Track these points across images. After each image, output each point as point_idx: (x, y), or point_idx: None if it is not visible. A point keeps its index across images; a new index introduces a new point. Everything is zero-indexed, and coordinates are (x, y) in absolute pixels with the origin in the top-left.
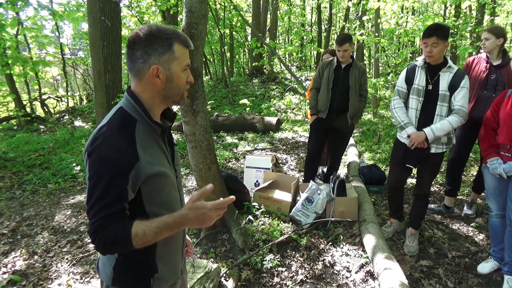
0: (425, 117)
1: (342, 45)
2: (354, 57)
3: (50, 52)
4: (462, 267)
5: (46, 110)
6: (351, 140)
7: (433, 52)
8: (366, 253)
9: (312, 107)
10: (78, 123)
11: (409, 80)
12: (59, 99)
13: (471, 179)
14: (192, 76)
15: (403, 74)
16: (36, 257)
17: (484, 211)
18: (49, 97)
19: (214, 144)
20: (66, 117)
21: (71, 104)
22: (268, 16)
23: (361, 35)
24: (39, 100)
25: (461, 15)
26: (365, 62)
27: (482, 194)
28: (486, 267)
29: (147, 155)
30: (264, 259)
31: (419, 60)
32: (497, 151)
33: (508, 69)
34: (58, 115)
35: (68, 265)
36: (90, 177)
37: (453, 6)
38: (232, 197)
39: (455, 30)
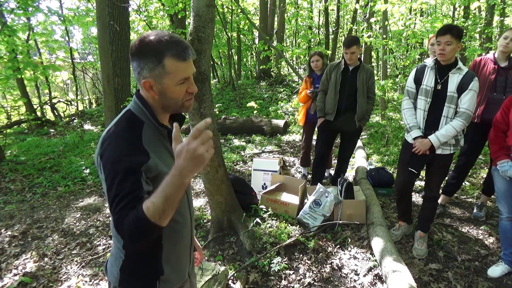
0: (432, 118)
1: (350, 47)
2: (362, 59)
3: (60, 56)
4: (472, 271)
5: (56, 114)
6: (359, 143)
7: (446, 51)
8: (374, 256)
9: (320, 109)
10: (87, 126)
11: (418, 80)
12: (68, 103)
13: (481, 182)
14: (194, 86)
15: (412, 74)
16: (46, 259)
17: (494, 213)
18: (59, 101)
19: (221, 147)
20: (76, 120)
21: (80, 107)
22: (276, 19)
23: (369, 37)
24: (49, 104)
25: (470, 16)
26: (372, 64)
27: (492, 196)
28: (496, 270)
29: (155, 156)
30: (272, 262)
31: (429, 61)
32: (507, 153)
33: None
34: (68, 118)
35: (78, 267)
36: (105, 178)
37: (462, 7)
38: (207, 119)
39: (464, 31)
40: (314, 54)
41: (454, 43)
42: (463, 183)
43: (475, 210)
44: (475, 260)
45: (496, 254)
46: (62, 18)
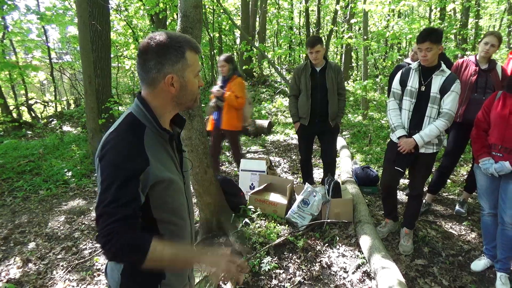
0: (416, 118)
1: (314, 46)
2: (343, 60)
3: (36, 56)
4: (456, 265)
5: (34, 115)
6: (343, 142)
7: (427, 56)
8: (362, 253)
9: (293, 114)
10: (66, 128)
11: (403, 82)
12: (46, 104)
13: (461, 179)
14: (202, 80)
15: (397, 76)
16: (30, 264)
17: (476, 210)
18: (36, 102)
19: (209, 147)
20: (54, 122)
21: (58, 109)
22: (257, 19)
23: (350, 37)
24: (26, 105)
25: (446, 18)
26: (352, 64)
27: (473, 193)
28: (479, 264)
29: (156, 161)
30: (262, 261)
31: (408, 61)
32: (489, 152)
33: (495, 72)
34: (45, 120)
35: (64, 272)
36: (102, 182)
37: (438, 9)
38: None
39: None
40: (219, 60)
41: (434, 48)
42: None
43: (457, 207)
44: (459, 255)
45: (479, 248)
46: (40, 16)
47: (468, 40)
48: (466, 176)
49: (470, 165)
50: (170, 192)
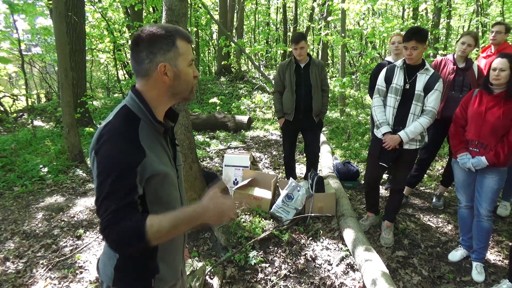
0: (401, 115)
1: (299, 42)
2: (320, 56)
3: (4, 47)
4: (434, 256)
5: (2, 109)
6: (323, 137)
7: (412, 55)
8: (346, 246)
9: (278, 110)
10: (38, 122)
11: (388, 79)
12: (15, 97)
13: (437, 174)
14: (197, 70)
15: (382, 73)
16: (8, 263)
17: (451, 203)
18: (4, 96)
19: (195, 143)
20: (25, 116)
21: (29, 102)
22: (235, 14)
23: (327, 35)
24: None
25: (418, 18)
26: (328, 61)
27: (449, 187)
28: (456, 255)
29: (152, 153)
30: (248, 256)
31: (389, 59)
32: (466, 147)
33: (472, 71)
34: (15, 114)
35: (44, 270)
36: (98, 175)
37: (411, 9)
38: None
39: None
40: None
41: (420, 47)
42: None
43: (434, 200)
44: (437, 246)
45: (455, 240)
46: (10, 6)
47: (440, 39)
48: (442, 170)
49: (446, 160)
50: (164, 186)
